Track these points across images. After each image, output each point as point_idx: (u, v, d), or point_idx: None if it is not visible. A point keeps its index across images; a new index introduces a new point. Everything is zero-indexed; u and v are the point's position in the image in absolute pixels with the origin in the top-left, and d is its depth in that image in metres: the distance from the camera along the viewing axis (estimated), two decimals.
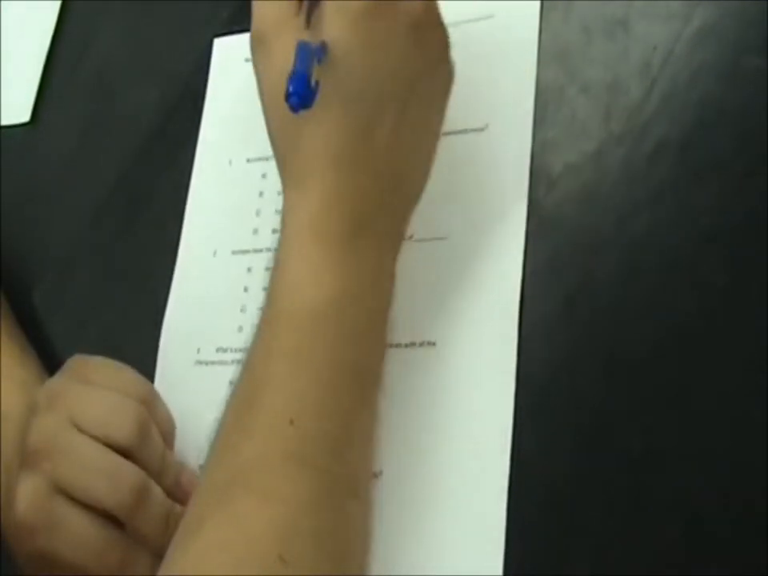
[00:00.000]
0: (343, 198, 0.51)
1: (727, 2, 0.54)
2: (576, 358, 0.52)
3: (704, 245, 0.51)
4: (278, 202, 0.60)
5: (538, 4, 0.58)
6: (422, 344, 0.54)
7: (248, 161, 0.64)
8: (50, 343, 0.66)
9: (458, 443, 0.52)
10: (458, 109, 0.57)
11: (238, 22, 0.68)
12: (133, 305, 0.65)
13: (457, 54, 0.56)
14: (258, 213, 0.62)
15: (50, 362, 0.64)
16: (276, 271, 0.52)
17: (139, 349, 0.62)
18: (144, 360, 0.61)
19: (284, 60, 0.48)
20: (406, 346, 0.54)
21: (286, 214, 0.52)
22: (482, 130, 0.57)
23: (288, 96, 0.46)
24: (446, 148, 0.56)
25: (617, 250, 0.52)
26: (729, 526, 0.46)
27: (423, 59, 0.52)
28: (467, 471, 0.51)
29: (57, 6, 0.77)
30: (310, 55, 0.48)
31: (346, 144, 0.51)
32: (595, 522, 0.48)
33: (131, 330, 0.64)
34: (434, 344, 0.54)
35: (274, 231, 0.60)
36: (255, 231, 0.62)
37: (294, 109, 0.47)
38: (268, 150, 0.57)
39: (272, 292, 0.51)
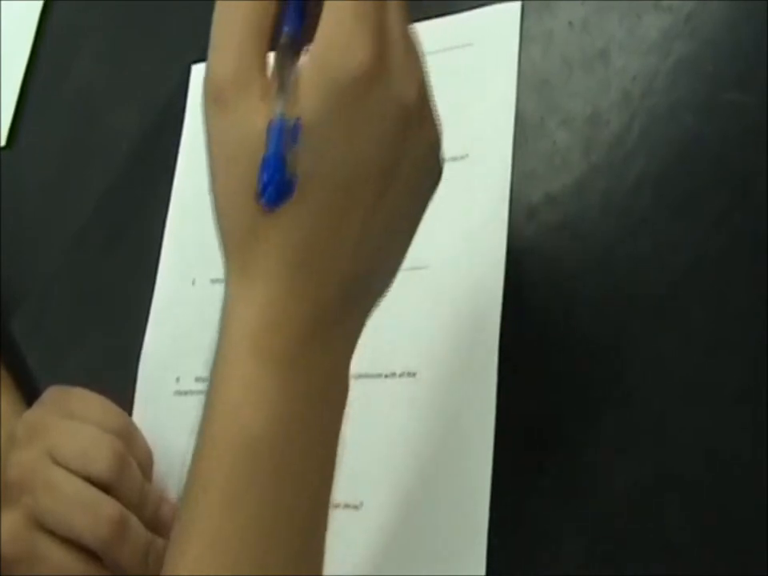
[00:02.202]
0: (296, 304, 0.42)
1: (704, 36, 0.54)
2: (555, 388, 0.51)
3: (682, 277, 0.51)
4: None
5: (517, 32, 0.58)
6: (402, 374, 0.54)
7: None
8: (27, 372, 0.66)
9: (438, 473, 0.52)
10: None
11: None
12: (111, 333, 0.65)
13: (435, 80, 0.56)
14: None
15: (27, 390, 0.64)
16: (211, 389, 0.43)
17: (118, 378, 0.62)
18: (123, 389, 0.61)
19: (245, 130, 0.41)
20: (386, 376, 0.54)
21: (226, 315, 0.43)
22: (461, 158, 0.57)
23: (263, 189, 0.40)
24: None
25: (596, 281, 0.52)
26: (717, 563, 0.46)
27: (407, 156, 0.43)
28: (448, 502, 0.51)
29: (32, 30, 0.77)
30: (286, 137, 0.40)
31: (309, 238, 0.42)
32: (575, 561, 0.48)
33: (110, 359, 0.64)
34: (414, 374, 0.54)
35: None
36: None
37: (269, 204, 0.40)
38: None
39: (206, 414, 0.43)
